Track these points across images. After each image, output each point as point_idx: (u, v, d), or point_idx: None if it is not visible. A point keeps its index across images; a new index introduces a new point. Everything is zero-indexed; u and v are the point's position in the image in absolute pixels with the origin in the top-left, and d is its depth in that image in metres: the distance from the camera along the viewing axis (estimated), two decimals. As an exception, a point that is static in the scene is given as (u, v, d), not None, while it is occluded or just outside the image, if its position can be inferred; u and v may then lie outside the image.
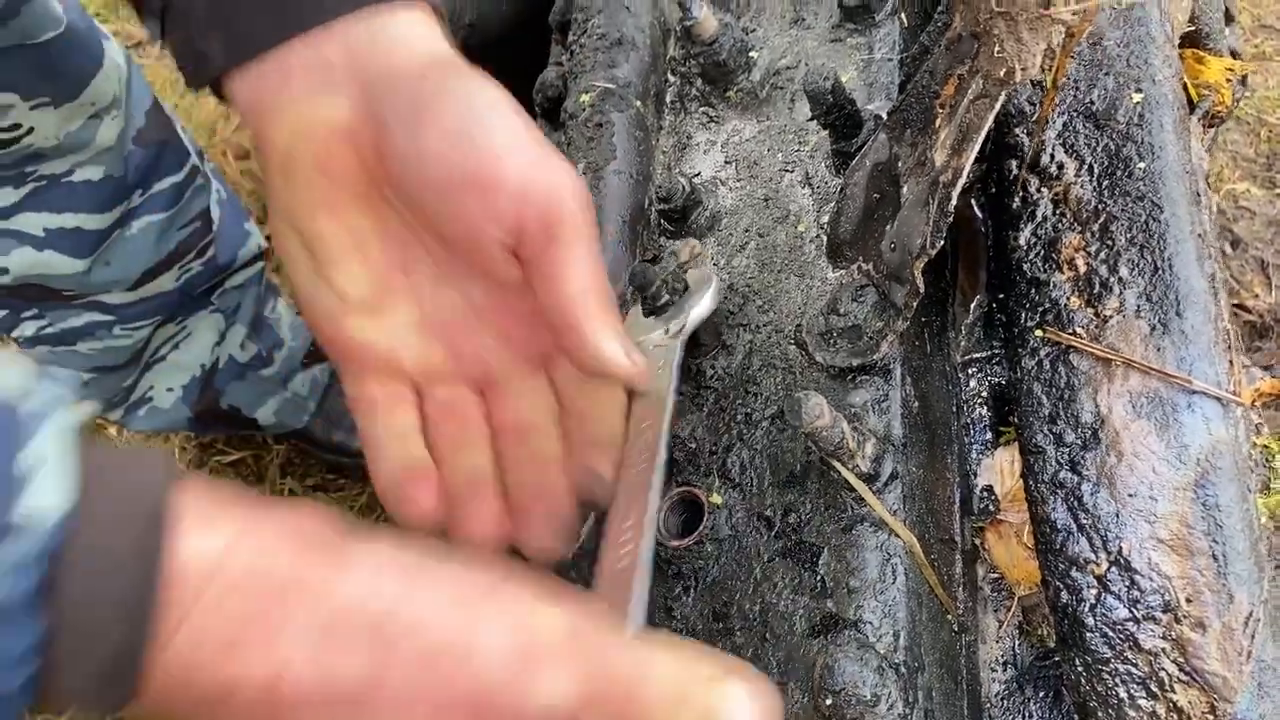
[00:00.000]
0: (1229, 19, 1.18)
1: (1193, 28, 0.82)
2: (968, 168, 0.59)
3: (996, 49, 0.54)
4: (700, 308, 0.68)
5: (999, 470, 0.74)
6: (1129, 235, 0.62)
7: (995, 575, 0.71)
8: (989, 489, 0.73)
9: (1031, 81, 0.70)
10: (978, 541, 0.72)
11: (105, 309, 1.31)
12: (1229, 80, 0.83)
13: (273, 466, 1.72)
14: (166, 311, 1.38)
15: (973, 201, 0.81)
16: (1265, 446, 0.68)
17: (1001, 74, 0.55)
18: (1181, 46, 0.85)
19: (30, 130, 1.08)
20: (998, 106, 0.57)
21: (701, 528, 0.69)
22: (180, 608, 0.35)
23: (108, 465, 0.36)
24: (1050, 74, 0.63)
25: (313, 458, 1.72)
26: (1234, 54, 1.15)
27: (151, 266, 1.30)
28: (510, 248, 0.51)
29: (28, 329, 1.31)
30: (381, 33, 0.53)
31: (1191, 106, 0.84)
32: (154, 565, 0.35)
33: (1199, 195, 0.74)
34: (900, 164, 0.67)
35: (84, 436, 0.37)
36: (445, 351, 0.56)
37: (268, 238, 1.77)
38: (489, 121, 0.50)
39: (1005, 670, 0.69)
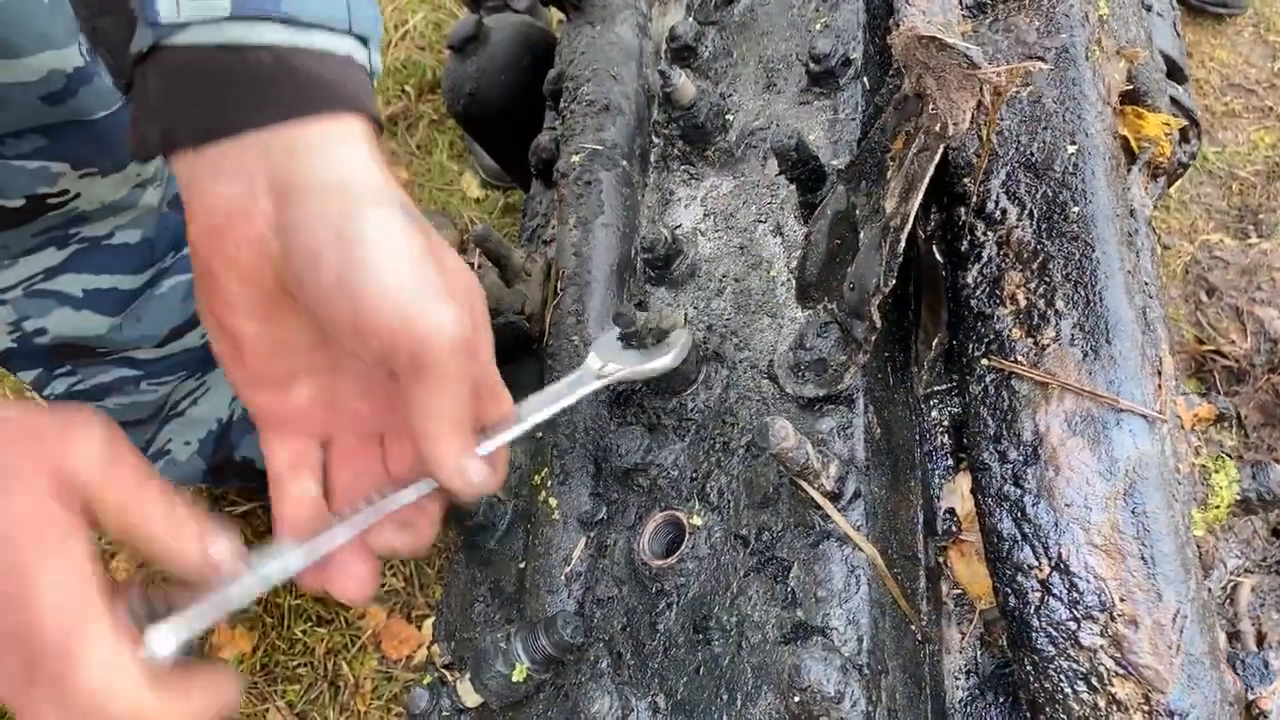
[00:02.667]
0: (1182, 78, 1.26)
1: (1131, 86, 0.89)
2: (914, 213, 0.66)
3: (931, 106, 0.61)
4: (654, 365, 0.76)
5: (960, 494, 0.79)
6: (1064, 272, 0.69)
7: (958, 591, 0.76)
8: (951, 511, 0.79)
9: (978, 137, 0.77)
10: (941, 560, 0.77)
11: (134, 364, 1.37)
12: (1167, 134, 0.90)
13: (282, 518, 1.77)
14: (191, 368, 1.44)
15: (934, 247, 0.88)
16: (1203, 465, 0.73)
17: (938, 128, 0.62)
18: (1125, 103, 0.92)
19: (77, 196, 1.14)
20: (937, 158, 0.64)
21: (683, 548, 0.75)
22: None
23: None
24: (985, 129, 0.70)
25: (321, 509, 1.77)
26: (1187, 110, 1.23)
27: (179, 324, 1.35)
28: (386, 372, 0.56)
29: (59, 386, 1.36)
30: (301, 149, 0.54)
31: (1134, 157, 0.91)
32: None
33: (1132, 236, 0.81)
34: (857, 212, 0.73)
35: None
36: (343, 416, 0.62)
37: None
38: (374, 269, 0.52)
39: (968, 678, 0.73)
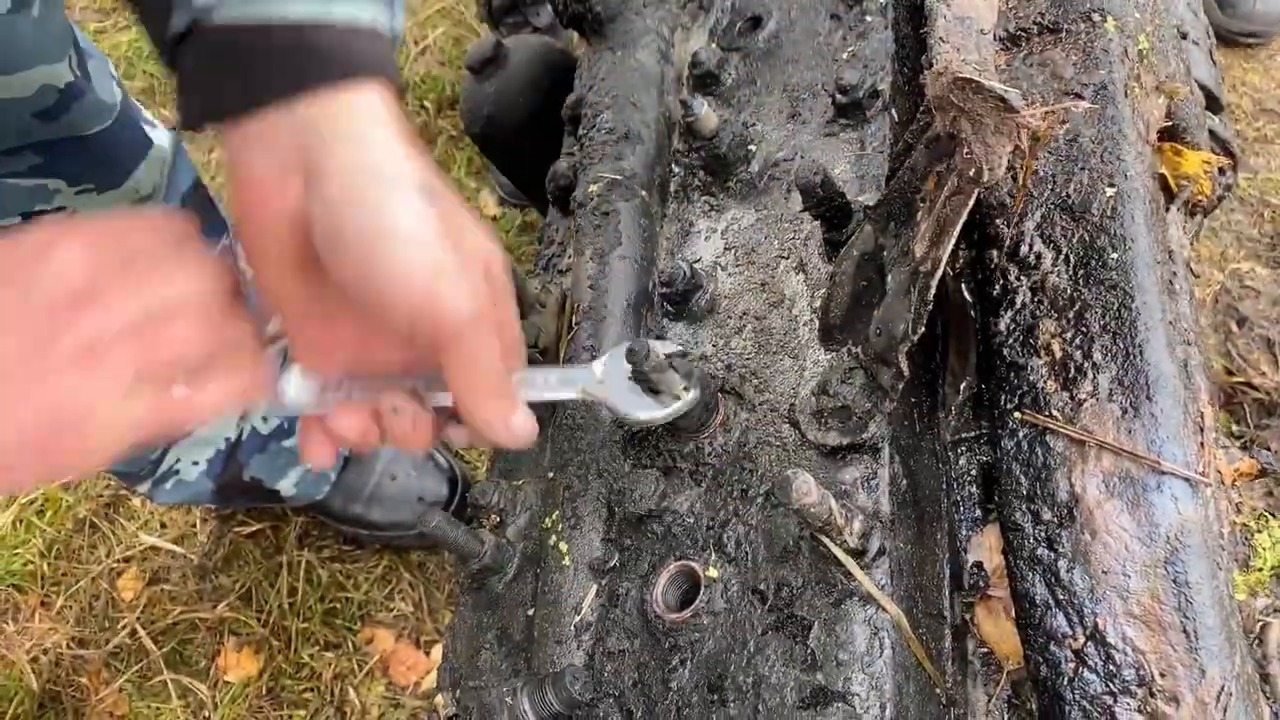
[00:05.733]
0: (1218, 107, 1.23)
1: (1171, 123, 0.86)
2: (945, 259, 0.63)
3: (966, 150, 0.58)
4: (644, 415, 0.73)
5: (989, 546, 0.76)
6: (1102, 322, 0.65)
7: (984, 650, 0.73)
8: (978, 565, 0.75)
9: (1013, 177, 0.74)
10: (967, 616, 0.74)
11: None
12: (1207, 171, 0.87)
13: (290, 538, 1.75)
14: None
15: (963, 286, 0.85)
16: (1244, 525, 0.70)
17: (972, 173, 0.59)
18: (1162, 139, 0.89)
19: (74, 213, 1.14)
20: (971, 203, 0.61)
21: (698, 601, 0.72)
22: None
23: None
24: (1022, 173, 0.67)
25: (329, 530, 1.75)
26: (1223, 141, 1.19)
27: None
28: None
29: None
30: (328, 129, 0.57)
31: (1171, 196, 0.87)
32: None
33: (1173, 283, 0.78)
34: (885, 254, 0.70)
35: None
36: (381, 361, 0.64)
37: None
38: (391, 257, 0.56)
39: (995, 744, 0.70)
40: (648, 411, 0.72)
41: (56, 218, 1.13)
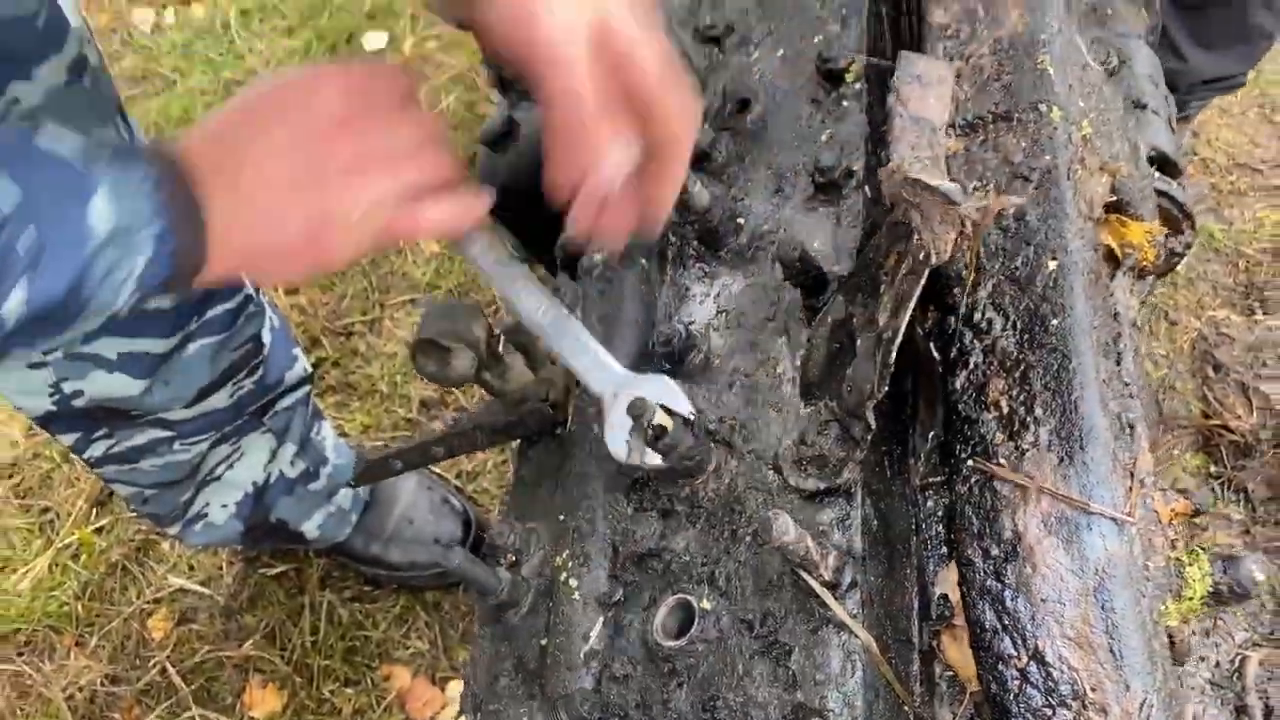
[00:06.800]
0: (1176, 172, 1.33)
1: (1115, 197, 0.95)
2: (903, 327, 0.72)
3: (917, 237, 0.68)
4: (617, 448, 0.85)
5: (953, 581, 0.85)
6: (1043, 381, 0.75)
7: (950, 673, 0.82)
8: (944, 597, 0.84)
9: (966, 257, 0.84)
10: (934, 643, 0.83)
11: (166, 425, 1.45)
12: (1150, 240, 0.96)
13: (313, 579, 1.84)
14: (221, 427, 1.52)
15: (931, 345, 0.94)
16: (1178, 559, 0.78)
17: (922, 256, 0.69)
18: (1109, 211, 0.98)
19: None
20: (924, 280, 0.71)
21: (693, 631, 0.81)
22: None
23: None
24: (968, 253, 0.77)
25: (350, 571, 1.83)
26: (1180, 205, 1.29)
27: (206, 385, 1.43)
28: None
29: (97, 449, 1.45)
30: None
31: (1118, 263, 0.97)
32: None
33: (1117, 342, 0.87)
34: (854, 321, 0.80)
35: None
36: None
37: (314, 364, 1.93)
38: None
39: (959, 757, 0.78)
40: (621, 449, 0.83)
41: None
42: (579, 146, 0.76)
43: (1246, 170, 2.20)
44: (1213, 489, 1.79)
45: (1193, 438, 1.85)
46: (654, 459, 0.82)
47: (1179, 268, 2.07)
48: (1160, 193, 1.28)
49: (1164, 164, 1.33)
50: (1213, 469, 1.81)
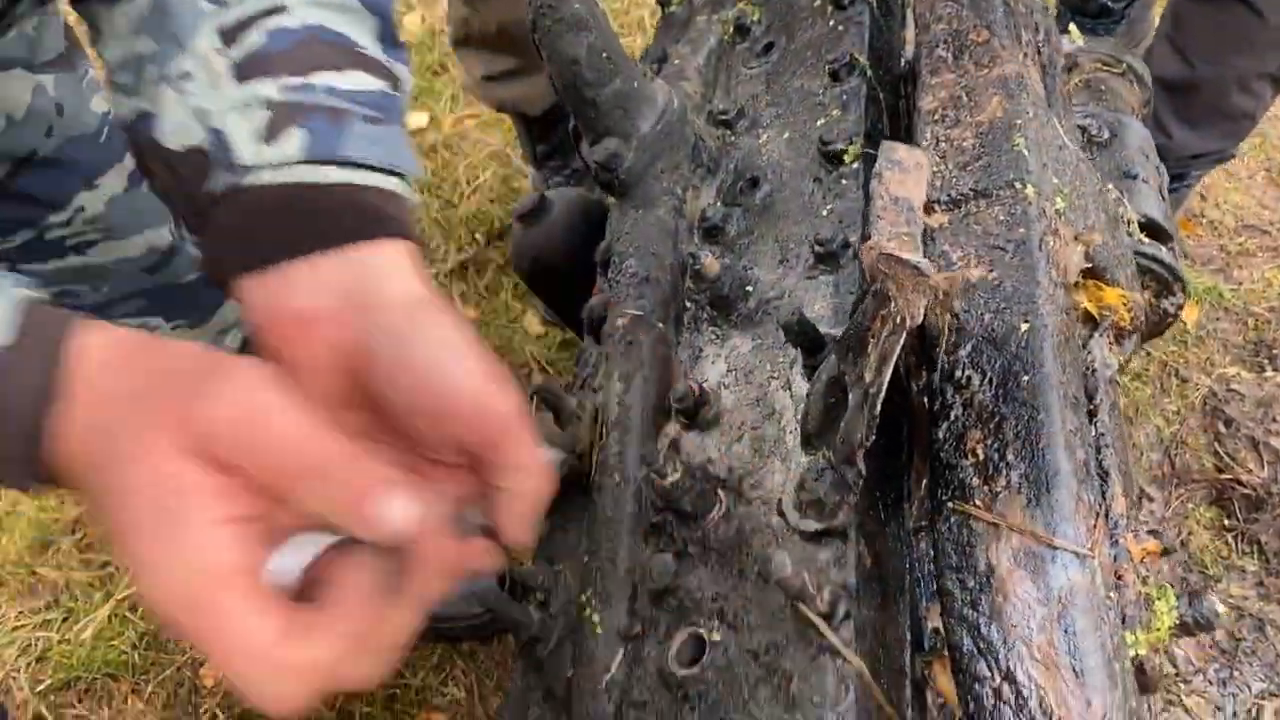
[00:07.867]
0: (1166, 238, 1.42)
1: (1091, 264, 1.04)
2: (885, 383, 0.82)
3: (893, 304, 0.78)
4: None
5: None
6: (1015, 431, 0.83)
7: (941, 701, 0.89)
8: (936, 630, 0.92)
9: (952, 316, 0.93)
10: (926, 673, 0.90)
11: None
12: (1125, 305, 1.05)
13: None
14: None
15: (924, 401, 1.03)
16: (1148, 594, 0.86)
17: (898, 320, 0.78)
18: (1087, 277, 1.07)
19: None
20: (902, 341, 0.80)
21: (704, 660, 0.89)
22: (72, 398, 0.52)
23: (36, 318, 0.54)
24: (940, 318, 0.86)
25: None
26: (1169, 268, 1.38)
27: None
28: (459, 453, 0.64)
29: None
30: (372, 270, 0.64)
31: (1096, 325, 1.06)
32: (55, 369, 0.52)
33: (1090, 396, 0.95)
34: (846, 378, 0.89)
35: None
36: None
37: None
38: (451, 366, 0.62)
39: (948, 778, 0.85)
40: None
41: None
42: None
43: (1255, 232, 2.27)
44: (1226, 541, 1.83)
45: (1205, 491, 1.90)
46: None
47: (1188, 327, 2.14)
48: (1149, 256, 1.37)
49: (1155, 230, 1.42)
50: (1226, 522, 1.86)
